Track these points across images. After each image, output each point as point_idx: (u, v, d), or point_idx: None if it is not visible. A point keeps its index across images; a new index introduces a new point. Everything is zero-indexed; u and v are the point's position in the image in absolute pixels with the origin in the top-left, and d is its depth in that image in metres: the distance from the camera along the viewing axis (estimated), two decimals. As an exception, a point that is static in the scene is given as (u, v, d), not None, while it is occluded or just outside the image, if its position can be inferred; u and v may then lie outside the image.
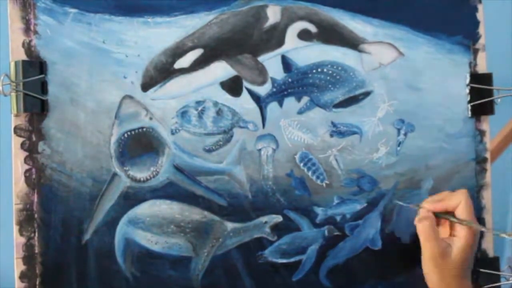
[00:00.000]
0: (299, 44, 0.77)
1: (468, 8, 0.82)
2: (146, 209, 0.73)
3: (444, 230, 0.77)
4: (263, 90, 0.76)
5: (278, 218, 0.77)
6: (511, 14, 1.25)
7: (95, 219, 0.71)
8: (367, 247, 0.79)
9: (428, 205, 0.76)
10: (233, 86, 0.75)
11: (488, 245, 0.82)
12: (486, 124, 0.83)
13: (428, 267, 0.74)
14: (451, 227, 0.76)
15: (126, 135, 0.72)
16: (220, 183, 0.75)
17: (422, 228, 0.74)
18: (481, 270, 0.81)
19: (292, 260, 0.77)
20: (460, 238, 0.74)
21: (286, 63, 0.77)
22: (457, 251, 0.74)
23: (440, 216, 0.76)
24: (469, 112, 0.82)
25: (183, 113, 0.74)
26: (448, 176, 0.82)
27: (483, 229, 0.77)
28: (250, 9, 0.76)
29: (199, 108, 0.75)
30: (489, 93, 0.82)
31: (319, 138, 0.78)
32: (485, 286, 0.81)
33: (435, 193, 0.81)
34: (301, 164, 0.77)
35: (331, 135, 0.79)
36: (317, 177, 0.78)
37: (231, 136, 0.76)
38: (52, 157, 0.70)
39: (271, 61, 0.76)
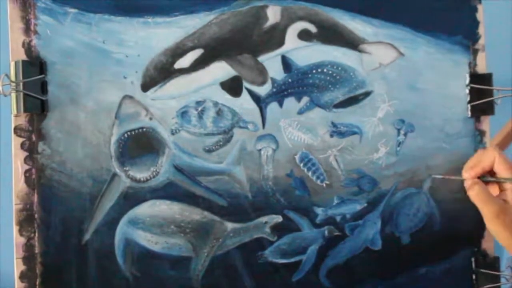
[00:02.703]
0: (299, 44, 0.77)
1: (468, 8, 0.82)
2: (146, 209, 0.73)
3: (492, 191, 0.77)
4: (263, 90, 0.76)
5: (278, 218, 0.77)
6: (511, 14, 1.25)
7: (95, 219, 0.71)
8: (367, 247, 0.79)
9: (468, 173, 0.77)
10: (233, 86, 0.75)
11: (488, 245, 0.82)
12: (486, 124, 0.83)
13: (495, 227, 0.74)
14: (497, 184, 0.78)
15: (126, 135, 0.72)
16: (220, 183, 0.75)
17: (475, 193, 0.75)
18: (481, 270, 0.81)
19: (292, 260, 0.77)
20: (510, 191, 0.75)
21: (286, 63, 0.77)
22: None
23: (484, 179, 0.77)
24: (469, 112, 0.82)
25: (183, 113, 0.74)
26: (449, 176, 0.82)
27: None
28: (250, 9, 0.76)
29: (199, 108, 0.75)
30: (489, 93, 0.82)
31: (319, 138, 0.78)
32: (485, 286, 0.81)
33: (434, 192, 0.81)
34: (301, 164, 0.77)
35: (331, 135, 0.79)
36: (317, 177, 0.78)
37: (231, 136, 0.76)
38: (52, 157, 0.70)
39: (271, 61, 0.76)
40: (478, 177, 0.77)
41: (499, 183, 0.77)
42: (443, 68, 0.82)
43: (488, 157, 0.76)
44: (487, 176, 0.77)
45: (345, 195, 0.79)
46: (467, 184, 0.77)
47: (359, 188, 0.79)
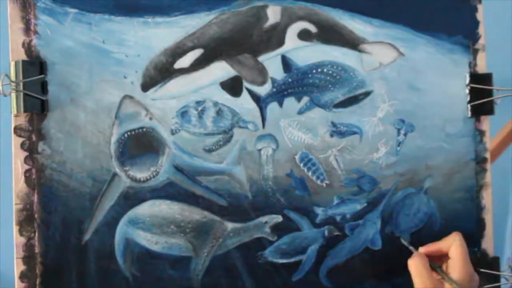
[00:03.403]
0: (299, 44, 0.77)
1: (468, 8, 0.82)
2: (146, 209, 0.73)
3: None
4: (263, 90, 0.76)
5: (278, 218, 0.77)
6: (511, 14, 1.25)
7: (95, 219, 0.71)
8: (367, 247, 0.79)
9: (423, 248, 0.77)
10: (233, 86, 0.75)
11: (488, 245, 0.82)
12: (486, 124, 0.83)
13: None
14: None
15: (126, 135, 0.72)
16: (220, 183, 0.75)
17: (414, 264, 0.73)
18: (481, 270, 0.81)
19: (292, 260, 0.77)
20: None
21: (286, 63, 0.77)
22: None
23: (432, 266, 0.75)
24: (469, 112, 0.82)
25: (183, 113, 0.74)
26: (448, 176, 0.82)
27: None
28: (250, 9, 0.76)
29: (199, 108, 0.75)
30: (489, 93, 0.82)
31: (319, 138, 0.78)
32: (485, 286, 0.81)
33: (434, 192, 0.81)
34: (301, 164, 0.77)
35: (331, 135, 0.78)
36: (317, 177, 0.78)
37: (231, 136, 0.76)
38: (52, 157, 0.70)
39: (271, 61, 0.76)
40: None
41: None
42: (443, 68, 0.82)
43: (449, 239, 0.75)
44: (436, 265, 0.75)
45: (345, 195, 0.79)
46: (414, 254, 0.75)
47: (359, 188, 0.79)
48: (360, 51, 0.79)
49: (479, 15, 0.83)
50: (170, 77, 0.74)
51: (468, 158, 0.83)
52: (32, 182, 0.70)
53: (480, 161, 0.83)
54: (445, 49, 0.82)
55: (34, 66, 0.69)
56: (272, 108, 0.77)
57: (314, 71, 0.78)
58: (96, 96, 0.72)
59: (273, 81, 0.76)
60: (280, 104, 0.77)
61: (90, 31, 0.72)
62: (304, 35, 0.77)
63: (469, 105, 0.82)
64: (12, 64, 0.69)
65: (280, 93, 0.77)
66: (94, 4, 0.72)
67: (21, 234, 0.69)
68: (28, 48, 0.70)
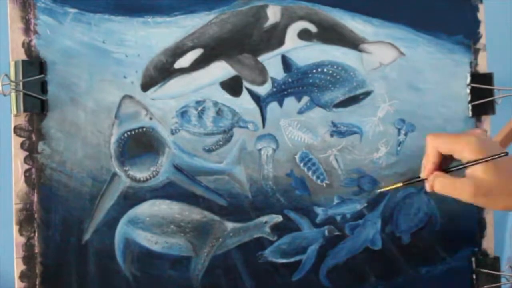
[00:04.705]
0: (299, 44, 0.77)
1: (469, 7, 0.82)
2: (146, 209, 0.73)
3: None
4: (263, 90, 0.76)
5: (278, 218, 0.77)
6: (512, 14, 1.24)
7: (95, 219, 0.72)
8: (367, 247, 0.79)
9: (424, 173, 0.70)
10: (233, 86, 0.75)
11: (488, 245, 0.82)
12: (487, 124, 0.83)
13: (479, 203, 0.67)
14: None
15: (126, 135, 0.72)
16: (220, 183, 0.75)
17: (441, 187, 0.68)
18: (481, 270, 0.81)
19: (292, 260, 0.77)
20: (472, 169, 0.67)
21: (286, 63, 0.77)
22: (482, 174, 0.65)
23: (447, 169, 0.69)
24: (470, 112, 0.82)
25: (183, 113, 0.74)
26: (449, 176, 0.82)
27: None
28: (250, 9, 0.76)
29: (199, 108, 0.75)
30: (490, 93, 0.82)
31: (319, 138, 0.78)
32: (485, 286, 0.81)
33: (435, 192, 0.81)
34: (301, 164, 0.77)
35: (331, 135, 0.78)
36: (317, 177, 0.78)
37: (231, 136, 0.75)
38: (52, 157, 0.70)
39: (271, 61, 0.76)
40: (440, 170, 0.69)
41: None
42: (444, 67, 0.82)
43: (460, 141, 0.68)
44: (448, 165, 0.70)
45: (345, 194, 0.79)
46: (428, 183, 0.70)
47: (359, 188, 0.79)
48: (360, 50, 0.79)
49: (480, 15, 0.82)
50: (170, 77, 0.74)
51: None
52: (32, 182, 0.70)
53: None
54: (446, 49, 0.82)
55: (34, 66, 0.69)
56: (272, 108, 0.77)
57: (314, 70, 0.78)
58: (96, 96, 0.72)
59: (273, 81, 0.76)
60: (280, 104, 0.77)
61: (90, 31, 0.72)
62: (304, 35, 0.77)
63: (470, 105, 0.82)
64: (12, 64, 0.69)
65: (280, 93, 0.77)
66: (94, 4, 0.72)
67: (21, 234, 0.69)
68: (28, 48, 0.70)
